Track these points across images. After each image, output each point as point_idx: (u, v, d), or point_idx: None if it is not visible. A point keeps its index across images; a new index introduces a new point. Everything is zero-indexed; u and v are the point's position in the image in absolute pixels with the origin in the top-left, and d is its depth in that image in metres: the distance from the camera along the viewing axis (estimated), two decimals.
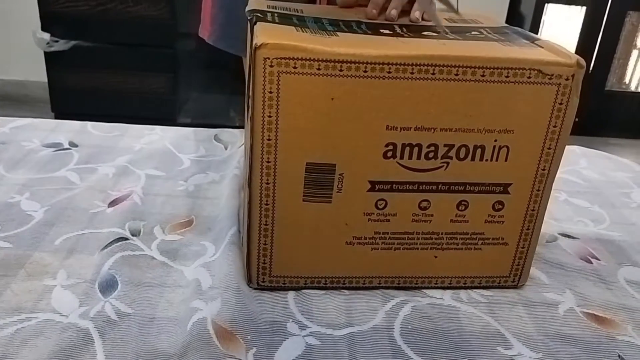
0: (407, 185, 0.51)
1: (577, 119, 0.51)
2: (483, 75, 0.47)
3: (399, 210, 0.52)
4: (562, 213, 0.73)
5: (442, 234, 0.54)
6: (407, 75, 0.46)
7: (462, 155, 0.50)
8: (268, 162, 0.48)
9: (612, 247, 0.66)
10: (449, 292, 0.56)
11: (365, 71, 0.46)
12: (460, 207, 0.53)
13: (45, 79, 1.99)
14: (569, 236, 0.68)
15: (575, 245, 0.66)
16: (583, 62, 0.49)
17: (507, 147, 0.50)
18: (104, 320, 0.48)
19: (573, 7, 2.44)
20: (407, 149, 0.49)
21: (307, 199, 0.50)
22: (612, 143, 2.30)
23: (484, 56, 0.47)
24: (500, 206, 0.53)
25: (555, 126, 0.50)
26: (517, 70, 0.47)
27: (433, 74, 0.47)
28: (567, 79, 0.48)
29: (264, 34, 0.46)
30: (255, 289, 0.54)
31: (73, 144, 0.79)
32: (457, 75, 0.47)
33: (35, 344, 0.46)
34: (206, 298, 0.51)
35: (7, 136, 0.80)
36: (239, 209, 0.65)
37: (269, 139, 0.48)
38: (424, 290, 0.56)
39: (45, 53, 1.90)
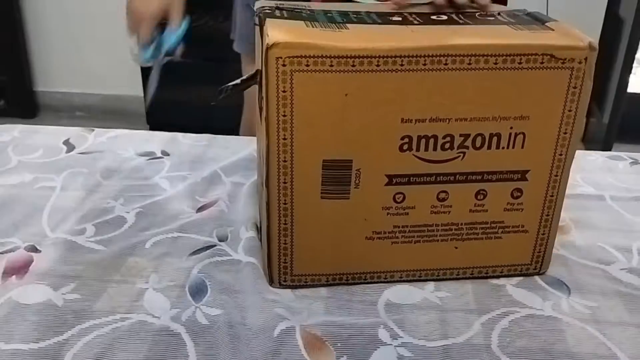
0: (425, 177, 0.51)
1: None
2: (496, 63, 0.47)
3: (418, 203, 0.52)
4: None
5: (461, 224, 0.54)
6: (419, 67, 0.46)
7: (478, 144, 0.50)
8: (285, 161, 0.49)
9: None
10: (548, 302, 0.54)
11: (377, 65, 0.46)
12: (478, 197, 0.53)
13: (141, 94, 2.09)
14: None
15: None
16: (595, 44, 0.48)
17: (523, 134, 0.50)
18: (196, 325, 0.50)
19: None
20: (423, 140, 0.49)
21: (325, 196, 0.51)
22: None
23: (496, 44, 0.47)
24: (518, 193, 0.53)
25: (570, 110, 0.50)
26: (529, 56, 0.47)
27: (445, 64, 0.47)
28: (580, 63, 0.48)
29: (275, 32, 0.46)
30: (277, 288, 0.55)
31: (165, 153, 0.82)
32: (469, 64, 0.47)
33: (130, 344, 0.48)
34: (294, 305, 0.52)
35: (104, 145, 0.84)
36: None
37: (284, 139, 0.48)
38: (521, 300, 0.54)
39: (142, 69, 2.01)
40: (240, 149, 0.84)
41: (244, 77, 0.54)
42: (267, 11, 0.53)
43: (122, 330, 0.49)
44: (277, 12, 0.53)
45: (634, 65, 2.04)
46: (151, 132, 0.90)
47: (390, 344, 0.49)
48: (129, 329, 0.49)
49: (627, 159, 0.84)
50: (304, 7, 0.57)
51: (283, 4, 0.58)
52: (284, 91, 0.46)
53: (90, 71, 2.49)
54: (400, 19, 0.54)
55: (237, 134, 0.95)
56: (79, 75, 2.51)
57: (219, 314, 0.51)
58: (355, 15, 0.54)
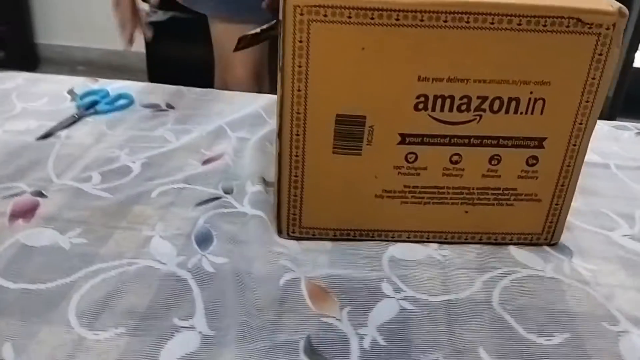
0: (439, 139, 0.50)
1: None
2: (520, 24, 0.46)
3: (430, 164, 0.51)
4: None
5: (473, 189, 0.53)
6: (440, 24, 0.45)
7: (495, 107, 0.49)
8: (298, 113, 0.48)
9: None
10: (550, 265, 0.54)
11: (397, 19, 0.45)
12: (492, 162, 0.52)
13: (144, 50, 2.06)
14: None
15: None
16: (626, 10, 0.47)
17: (543, 100, 0.49)
18: (202, 272, 0.50)
19: None
20: (439, 100, 0.48)
21: (337, 150, 0.50)
22: None
23: (521, 3, 0.45)
24: (534, 161, 0.52)
25: (593, 78, 0.48)
26: (555, 19, 0.46)
27: (467, 22, 0.45)
28: (607, 29, 0.46)
29: None
30: (285, 239, 0.55)
31: (170, 106, 0.82)
32: (492, 23, 0.45)
33: (137, 287, 0.48)
34: (299, 257, 0.52)
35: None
36: None
37: (299, 90, 0.47)
38: (522, 261, 0.54)
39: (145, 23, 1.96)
40: (245, 105, 0.83)
41: (264, 27, 0.53)
42: None
43: (129, 275, 0.49)
44: None
45: None
46: (155, 84, 0.90)
47: (393, 297, 0.49)
48: (135, 274, 0.49)
49: (633, 129, 0.85)
50: None
51: None
52: (300, 41, 0.45)
53: (92, 25, 2.45)
54: None
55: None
56: (80, 28, 2.48)
57: (225, 262, 0.51)
58: None
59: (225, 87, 1.12)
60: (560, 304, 0.50)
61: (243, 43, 0.52)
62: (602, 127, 0.83)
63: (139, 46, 2.07)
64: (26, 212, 0.56)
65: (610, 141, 0.80)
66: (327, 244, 0.55)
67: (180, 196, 0.61)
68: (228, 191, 0.62)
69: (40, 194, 0.59)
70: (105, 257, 0.51)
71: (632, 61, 2.08)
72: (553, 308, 0.49)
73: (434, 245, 0.55)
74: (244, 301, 0.47)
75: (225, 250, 0.53)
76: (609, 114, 2.09)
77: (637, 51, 2.07)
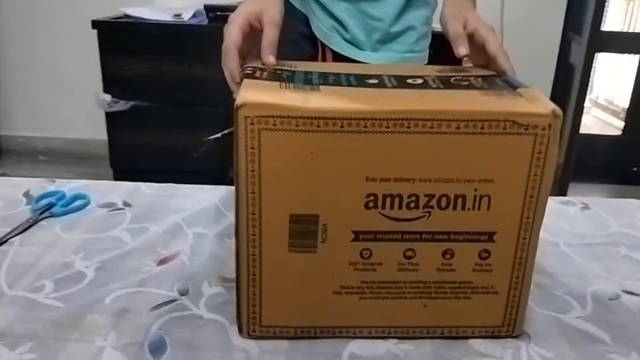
0: (391, 235, 0.52)
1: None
2: (458, 128, 0.49)
3: (385, 260, 0.53)
4: (623, 269, 0.71)
5: (429, 282, 0.54)
6: (382, 130, 0.48)
7: (443, 204, 0.51)
8: (253, 214, 0.51)
9: None
10: (509, 350, 0.55)
11: (341, 126, 0.48)
12: (446, 256, 0.53)
13: (106, 137, 2.13)
14: (632, 293, 0.65)
15: (639, 302, 0.63)
16: (559, 111, 0.50)
17: (489, 196, 0.51)
18: None
19: (625, 55, 2.39)
20: (389, 199, 0.51)
21: (292, 249, 0.52)
22: None
23: (457, 110, 0.49)
24: (486, 254, 0.54)
25: (535, 175, 0.51)
26: (491, 122, 0.49)
27: (408, 127, 0.48)
28: (543, 129, 0.49)
29: (246, 93, 0.49)
30: (245, 338, 0.55)
31: (127, 204, 0.83)
32: (432, 128, 0.49)
33: None
34: None
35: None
36: None
37: (253, 192, 0.50)
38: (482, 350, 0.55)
39: (107, 113, 2.06)
40: (203, 198, 0.85)
41: (225, 132, 0.56)
42: (248, 72, 0.56)
43: None
44: (258, 73, 0.56)
45: (588, 106, 2.17)
46: (113, 182, 0.91)
47: None
48: None
49: (578, 203, 0.88)
50: (287, 68, 0.59)
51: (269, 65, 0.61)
52: (252, 148, 0.48)
53: (54, 115, 2.53)
54: (376, 81, 0.56)
55: (204, 177, 0.94)
56: (42, 118, 2.54)
57: None
58: (333, 77, 0.57)
59: None
60: None
61: (206, 146, 0.56)
62: (550, 204, 0.85)
63: (102, 134, 2.14)
64: None
65: (558, 218, 0.83)
66: (286, 344, 0.55)
67: (134, 301, 0.60)
68: (184, 292, 0.62)
69: None
70: None
71: (579, 128, 2.22)
72: None
73: (394, 340, 0.56)
74: None
75: (179, 358, 0.52)
76: (561, 180, 2.24)
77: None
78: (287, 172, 0.49)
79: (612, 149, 2.58)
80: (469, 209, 0.52)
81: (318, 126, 0.48)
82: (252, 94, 0.49)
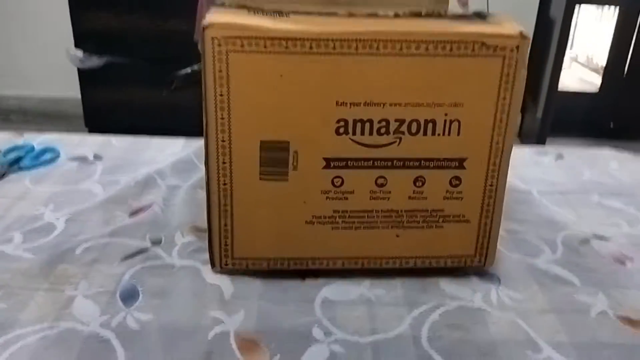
0: (362, 162, 0.52)
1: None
2: (427, 49, 0.49)
3: (356, 188, 0.53)
4: (595, 215, 0.71)
5: (401, 211, 0.54)
6: (352, 51, 0.48)
7: (413, 130, 0.51)
8: (223, 141, 0.50)
9: None
10: (480, 293, 0.55)
11: (310, 47, 0.48)
12: (417, 184, 0.53)
13: (79, 96, 2.07)
14: (602, 238, 0.66)
15: (609, 247, 0.64)
16: (527, 33, 0.50)
17: (458, 121, 0.51)
18: (126, 331, 0.49)
19: (605, 7, 2.42)
20: (359, 124, 0.51)
21: (263, 177, 0.51)
22: None
23: (426, 30, 0.49)
24: (457, 182, 0.54)
25: (504, 98, 0.51)
26: (460, 44, 0.49)
27: (377, 49, 0.48)
28: (511, 51, 0.50)
29: (213, 15, 0.48)
30: (217, 272, 0.55)
31: (98, 157, 0.82)
32: (401, 49, 0.48)
33: (58, 352, 0.46)
34: (228, 308, 0.52)
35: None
36: None
37: (222, 118, 0.49)
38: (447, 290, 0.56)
39: (79, 70, 1.99)
40: (177, 151, 0.84)
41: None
42: (218, 4, 0.55)
43: (50, 340, 0.47)
44: (227, 2, 0.55)
45: (568, 62, 2.21)
46: (83, 135, 0.89)
47: (324, 341, 0.49)
48: (56, 338, 0.48)
49: (552, 153, 0.90)
50: (254, 5, 0.59)
51: (245, 2, 0.60)
52: (220, 71, 0.48)
53: (25, 73, 2.44)
54: (347, 13, 0.56)
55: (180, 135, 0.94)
56: (14, 77, 2.45)
57: (151, 319, 0.50)
58: (304, 12, 0.56)
59: None
60: (486, 335, 0.50)
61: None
62: (525, 154, 0.87)
63: (75, 92, 2.08)
64: None
65: (532, 167, 0.84)
66: (259, 288, 0.54)
67: (105, 251, 0.59)
68: (156, 242, 0.61)
69: None
70: (25, 322, 0.49)
71: (557, 84, 2.26)
72: (479, 341, 0.50)
73: (367, 284, 0.56)
74: (169, 358, 0.46)
75: (151, 306, 0.52)
76: (538, 135, 2.29)
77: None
78: (257, 96, 0.49)
79: (590, 105, 2.63)
80: (439, 135, 0.52)
81: (287, 47, 0.47)
82: (219, 16, 0.48)
